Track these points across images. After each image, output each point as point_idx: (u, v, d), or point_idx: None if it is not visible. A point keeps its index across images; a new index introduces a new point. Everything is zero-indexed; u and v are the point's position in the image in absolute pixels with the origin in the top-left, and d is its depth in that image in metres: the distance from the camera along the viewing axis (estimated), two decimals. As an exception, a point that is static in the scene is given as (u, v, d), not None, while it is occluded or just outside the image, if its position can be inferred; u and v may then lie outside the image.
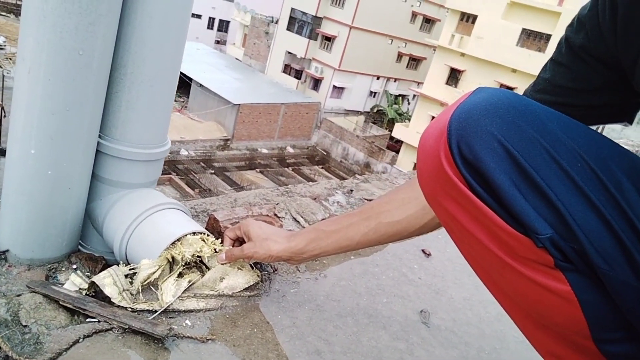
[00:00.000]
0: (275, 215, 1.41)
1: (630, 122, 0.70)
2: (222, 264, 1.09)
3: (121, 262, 1.07)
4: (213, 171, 19.47)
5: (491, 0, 20.26)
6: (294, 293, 1.18)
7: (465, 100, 0.56)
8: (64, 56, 0.93)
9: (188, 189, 16.59)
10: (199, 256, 1.09)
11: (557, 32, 18.40)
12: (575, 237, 0.49)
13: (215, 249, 1.10)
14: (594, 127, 0.64)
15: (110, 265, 1.11)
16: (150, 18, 1.04)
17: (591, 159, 0.51)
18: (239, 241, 1.13)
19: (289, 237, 1.02)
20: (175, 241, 1.06)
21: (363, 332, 1.12)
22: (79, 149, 1.04)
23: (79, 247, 1.19)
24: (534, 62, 18.96)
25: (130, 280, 1.03)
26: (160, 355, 0.89)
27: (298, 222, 1.49)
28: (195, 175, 18.35)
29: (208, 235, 1.13)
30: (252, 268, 1.16)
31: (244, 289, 1.11)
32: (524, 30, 19.81)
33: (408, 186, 0.95)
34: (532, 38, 19.82)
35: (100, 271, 1.09)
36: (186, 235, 1.08)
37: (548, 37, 19.03)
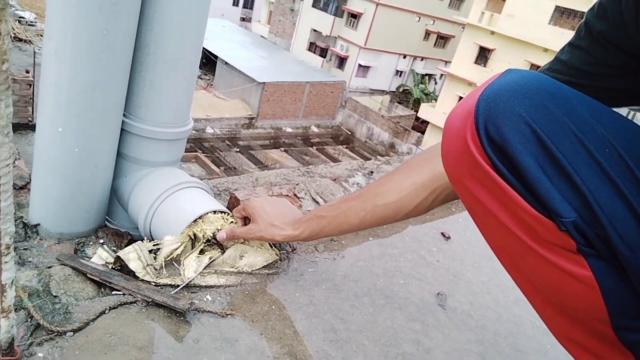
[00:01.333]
0: (295, 195, 1.43)
1: None
2: (223, 242, 1.12)
3: (145, 238, 1.10)
4: (238, 149, 19.62)
5: (524, -24, 19.57)
6: (312, 272, 1.20)
7: (494, 81, 0.55)
8: (89, 36, 0.96)
9: (214, 167, 16.80)
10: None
11: (593, 10, 17.67)
12: (600, 222, 0.49)
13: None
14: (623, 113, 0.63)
15: (135, 241, 1.15)
16: (171, 0, 1.05)
17: (620, 145, 0.50)
18: (247, 220, 1.15)
19: (293, 225, 1.04)
20: (197, 219, 1.09)
21: (379, 313, 1.14)
22: (105, 127, 1.07)
23: (106, 222, 1.23)
24: (567, 40, 18.29)
25: (154, 255, 1.06)
26: (182, 328, 0.93)
27: (317, 202, 1.50)
28: (221, 153, 18.54)
29: (229, 214, 1.15)
30: (271, 247, 1.18)
31: (262, 267, 1.13)
32: (557, 7, 19.10)
33: (403, 168, 0.95)
34: (565, 16, 19.11)
35: (125, 246, 1.13)
36: (207, 213, 1.10)
37: (582, 14, 18.18)
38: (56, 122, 1.01)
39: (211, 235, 1.08)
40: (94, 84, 1.00)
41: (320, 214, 1.02)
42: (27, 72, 10.10)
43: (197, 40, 1.17)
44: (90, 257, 1.08)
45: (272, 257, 1.15)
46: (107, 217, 1.22)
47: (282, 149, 20.95)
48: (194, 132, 18.49)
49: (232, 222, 1.14)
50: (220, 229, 1.10)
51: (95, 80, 1.00)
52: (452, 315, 1.22)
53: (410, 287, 1.28)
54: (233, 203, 1.31)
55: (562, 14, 19.18)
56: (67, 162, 1.04)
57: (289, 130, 22.77)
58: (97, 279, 1.00)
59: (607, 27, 0.62)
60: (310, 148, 22.00)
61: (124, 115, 1.15)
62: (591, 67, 0.66)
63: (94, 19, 0.95)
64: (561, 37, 18.53)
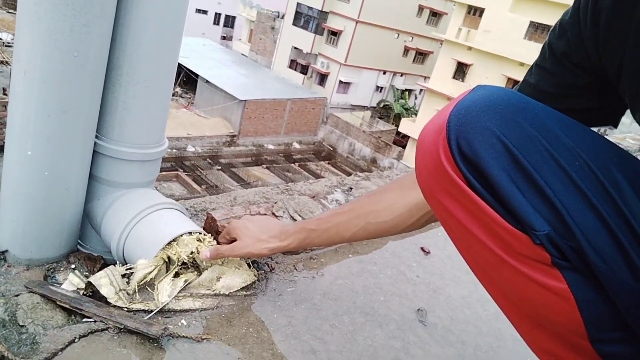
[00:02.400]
0: (273, 214, 1.42)
1: (615, 126, 0.69)
2: (207, 262, 1.10)
3: (118, 262, 1.08)
4: (220, 167, 19.52)
5: (498, -7, 20.08)
6: (291, 292, 1.19)
7: (465, 97, 0.56)
8: (59, 58, 0.94)
9: (195, 185, 16.66)
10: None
11: (566, 25, 18.19)
12: (573, 234, 0.49)
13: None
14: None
15: (108, 265, 1.13)
16: (145, 19, 1.05)
17: (589, 158, 0.51)
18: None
19: (279, 236, 1.04)
20: (172, 241, 1.07)
21: (359, 331, 1.12)
22: (76, 150, 1.05)
23: (78, 247, 1.20)
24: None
25: (127, 280, 1.04)
26: (156, 355, 0.90)
27: (295, 220, 1.49)
28: (202, 172, 18.41)
29: (205, 234, 1.13)
30: (250, 267, 1.16)
31: (240, 289, 1.11)
32: (531, 23, 19.61)
33: (396, 186, 0.96)
34: (539, 31, 19.62)
35: (98, 271, 1.10)
36: (182, 235, 1.08)
37: (556, 29, 18.81)
38: (25, 145, 0.99)
39: (186, 258, 1.06)
40: (65, 106, 0.99)
41: (310, 227, 1.02)
42: (5, 93, 9.95)
43: (172, 60, 1.17)
44: (61, 284, 1.05)
45: (251, 279, 1.14)
46: (79, 241, 1.19)
47: (264, 166, 20.91)
48: (174, 151, 18.37)
49: (209, 242, 1.12)
50: (196, 251, 1.08)
51: (66, 102, 0.99)
52: (433, 331, 1.21)
53: (391, 303, 1.27)
54: (210, 223, 1.29)
55: (536, 29, 19.69)
56: (37, 186, 1.02)
57: (270, 147, 22.77)
58: (67, 306, 0.97)
59: (568, 48, 0.63)
60: (292, 164, 22.00)
61: (97, 136, 1.13)
62: (558, 89, 0.67)
63: (64, 40, 0.93)
64: (536, 51, 18.81)
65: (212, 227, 1.27)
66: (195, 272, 1.10)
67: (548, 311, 0.54)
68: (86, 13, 0.94)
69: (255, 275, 1.16)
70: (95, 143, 1.12)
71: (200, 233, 1.12)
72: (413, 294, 1.34)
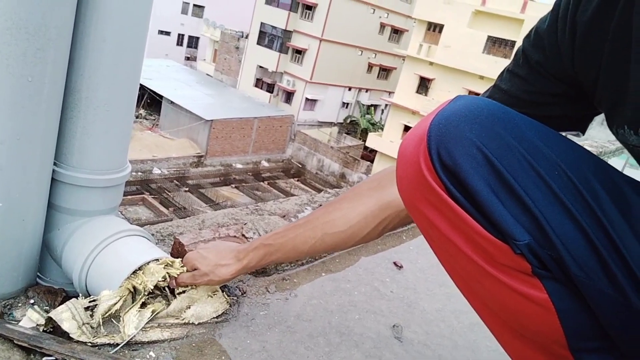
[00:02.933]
0: (243, 235, 1.39)
1: (583, 132, 0.71)
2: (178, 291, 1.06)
3: (81, 295, 1.03)
4: (187, 189, 19.20)
5: (457, 10, 20.76)
6: (264, 315, 1.16)
7: (445, 107, 0.56)
8: (11, 83, 0.90)
9: (162, 208, 16.32)
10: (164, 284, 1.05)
11: (521, 38, 18.92)
12: (552, 244, 0.49)
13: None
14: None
15: (71, 298, 1.07)
16: (104, 41, 1.02)
17: (568, 167, 0.51)
18: None
19: (237, 256, 1.01)
20: (137, 270, 1.03)
21: (335, 352, 1.10)
22: (32, 178, 1.00)
23: (38, 280, 1.14)
24: (500, 68, 18.96)
25: (91, 313, 0.99)
26: (123, 391, 0.86)
27: (267, 241, 1.46)
28: (169, 194, 18.07)
29: (173, 260, 1.09)
30: (222, 292, 1.13)
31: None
32: (489, 37, 20.32)
33: (350, 195, 0.95)
34: (497, 45, 20.34)
35: (60, 304, 1.04)
36: (149, 263, 1.04)
37: (513, 43, 19.56)
38: (-24, 175, 0.94)
39: (152, 287, 1.02)
40: (19, 133, 0.94)
41: (267, 242, 1.00)
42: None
43: (133, 82, 1.14)
44: (19, 320, 0.99)
45: (223, 307, 1.10)
46: (38, 273, 1.13)
47: (233, 185, 20.71)
48: (140, 173, 17.98)
49: (179, 266, 1.08)
50: (164, 280, 1.04)
51: (20, 129, 0.94)
52: (409, 347, 1.20)
53: (366, 321, 1.25)
54: (177, 248, 1.25)
55: (494, 43, 20.40)
56: (-10, 218, 0.96)
57: (239, 166, 22.61)
58: (26, 345, 0.91)
59: (544, 58, 0.63)
60: (261, 183, 21.88)
61: (55, 163, 1.08)
62: (531, 96, 0.67)
63: (17, 65, 0.90)
64: (495, 65, 19.66)
65: (179, 253, 1.23)
66: (164, 302, 1.06)
67: (529, 321, 0.54)
68: (41, 37, 0.91)
69: (227, 302, 1.12)
70: (53, 170, 1.07)
71: (169, 261, 1.08)
72: (388, 310, 1.33)
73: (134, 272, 1.02)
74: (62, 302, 1.07)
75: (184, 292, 1.07)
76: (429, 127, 0.55)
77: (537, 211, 0.50)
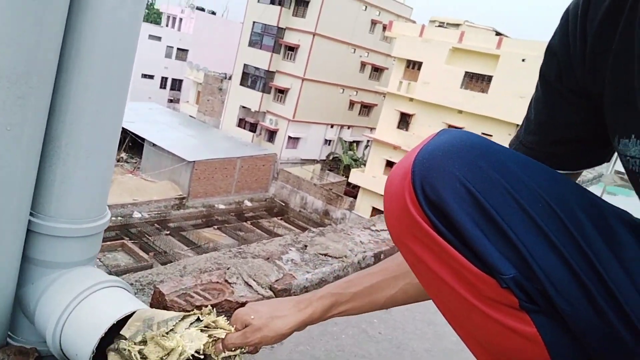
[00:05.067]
0: (226, 281, 1.36)
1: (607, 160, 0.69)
2: (218, 354, 0.87)
3: (56, 354, 0.98)
4: (168, 232, 18.88)
5: (434, 48, 21.44)
6: (249, 365, 1.12)
7: (428, 142, 0.57)
8: (-13, 135, 0.89)
9: (142, 253, 15.95)
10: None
11: (498, 73, 19.55)
12: (537, 277, 0.49)
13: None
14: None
15: (43, 358, 1.02)
16: (87, 88, 1.01)
17: (552, 198, 0.51)
18: None
19: (297, 306, 0.87)
20: (171, 332, 0.87)
21: (324, 401, 1.06)
22: (7, 230, 0.97)
23: (8, 339, 1.09)
24: (478, 102, 19.98)
25: None
26: None
27: (251, 286, 1.43)
28: (150, 238, 17.72)
29: (215, 319, 0.91)
30: None
31: None
32: (466, 73, 20.94)
33: None
34: (474, 80, 20.96)
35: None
36: (189, 327, 0.89)
37: (490, 78, 20.17)
38: (-54, 230, 0.90)
39: (191, 354, 0.85)
40: (-7, 185, 0.92)
41: (335, 291, 0.86)
42: None
43: (115, 128, 1.13)
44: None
45: None
46: (9, 332, 1.08)
47: (215, 227, 20.45)
48: (119, 218, 17.67)
49: (225, 329, 0.90)
50: (205, 347, 0.86)
51: (-6, 180, 0.92)
52: (400, 392, 1.17)
53: (355, 367, 1.22)
54: (157, 298, 1.21)
55: (471, 79, 21.02)
56: (-40, 274, 0.93)
57: (221, 207, 22.44)
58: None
59: (559, 71, 0.62)
60: (244, 223, 21.67)
61: (31, 214, 1.05)
62: (550, 118, 0.65)
63: (-7, 116, 0.88)
64: (472, 99, 20.21)
65: (160, 303, 1.19)
66: None
67: (518, 355, 0.53)
68: (22, 85, 0.90)
69: None
70: (29, 221, 1.04)
71: (200, 320, 0.91)
72: (377, 354, 1.30)
73: (167, 334, 0.86)
74: (35, 361, 1.02)
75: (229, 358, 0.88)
76: (413, 162, 0.55)
77: (521, 245, 0.50)
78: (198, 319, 0.91)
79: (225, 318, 0.92)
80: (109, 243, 15.62)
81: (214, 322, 0.90)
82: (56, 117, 1.02)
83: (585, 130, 0.64)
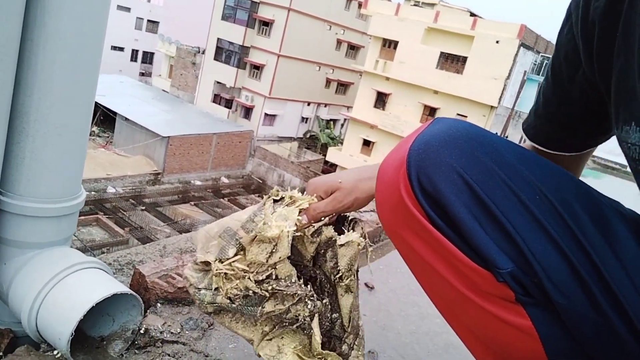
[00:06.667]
0: (209, 262, 1.32)
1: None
2: (306, 228, 0.78)
3: (33, 337, 0.93)
4: (144, 207, 18.59)
5: (410, 27, 21.33)
6: (232, 349, 1.09)
7: (424, 131, 0.55)
8: (-52, 107, 0.82)
9: (117, 229, 15.69)
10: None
11: (473, 54, 19.63)
12: (533, 270, 0.48)
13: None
14: None
15: (18, 339, 0.98)
16: (53, 62, 0.94)
17: (549, 191, 0.50)
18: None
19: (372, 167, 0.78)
20: (264, 223, 0.75)
21: (310, 384, 1.05)
22: (-27, 210, 0.91)
23: (-20, 321, 1.03)
24: (453, 83, 20.07)
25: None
26: None
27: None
28: (125, 213, 17.42)
29: (292, 195, 0.81)
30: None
31: None
32: (442, 53, 20.95)
33: None
34: (450, 61, 21.00)
35: (6, 347, 0.95)
36: (271, 210, 0.78)
37: (464, 59, 20.23)
38: None
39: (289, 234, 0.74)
40: (-43, 161, 0.85)
41: None
42: None
43: (86, 105, 1.06)
44: (-42, 369, 0.89)
45: None
46: (-19, 314, 1.03)
47: (192, 202, 20.23)
48: (93, 193, 17.29)
49: (308, 200, 0.80)
50: (298, 224, 0.77)
51: (-42, 156, 0.85)
52: (386, 373, 1.16)
53: (340, 348, 1.21)
54: (137, 280, 1.17)
55: (447, 59, 21.05)
56: None
57: (198, 183, 22.18)
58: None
59: (566, 61, 0.61)
60: (221, 200, 21.51)
61: (0, 192, 0.99)
62: (565, 108, 0.65)
63: (-46, 87, 0.81)
64: (448, 80, 20.29)
65: (140, 284, 1.15)
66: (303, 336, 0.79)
67: (513, 347, 0.53)
68: (-18, 56, 0.83)
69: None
70: (-2, 200, 0.98)
71: (280, 199, 0.80)
72: (361, 335, 1.29)
73: (263, 225, 0.74)
74: (9, 344, 0.97)
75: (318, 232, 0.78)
76: (408, 152, 0.53)
77: (519, 237, 0.48)
78: (276, 200, 0.80)
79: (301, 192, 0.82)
80: (82, 218, 15.27)
81: (290, 197, 0.80)
82: (22, 91, 0.95)
83: (586, 119, 0.64)
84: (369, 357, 1.20)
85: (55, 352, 0.97)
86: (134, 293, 1.02)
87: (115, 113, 22.31)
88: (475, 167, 0.50)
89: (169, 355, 1.02)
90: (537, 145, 0.70)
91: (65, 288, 0.97)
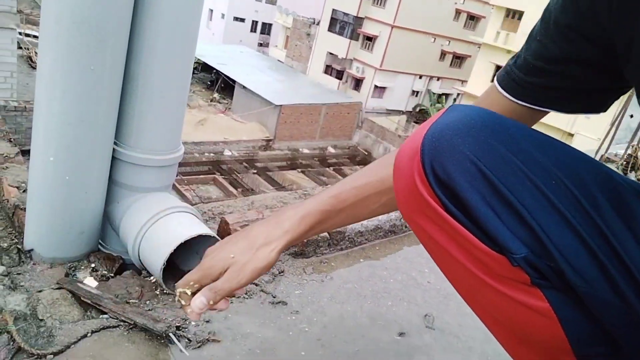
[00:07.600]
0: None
1: (604, 110, 0.66)
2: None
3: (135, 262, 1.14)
4: (255, 171, 19.73)
5: (539, -6, 19.56)
6: (298, 295, 1.22)
7: (438, 119, 0.56)
8: (77, 73, 1.01)
9: (231, 189, 16.91)
10: None
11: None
12: (551, 255, 0.49)
13: None
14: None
15: (127, 265, 1.19)
16: (157, 34, 1.11)
17: (565, 175, 0.51)
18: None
19: (279, 227, 0.74)
20: None
21: (364, 334, 1.14)
22: (95, 156, 1.12)
23: (99, 247, 1.27)
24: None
25: None
26: (162, 351, 0.95)
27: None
28: (239, 175, 18.66)
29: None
30: None
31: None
32: (574, 24, 18.95)
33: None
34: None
35: (117, 270, 1.16)
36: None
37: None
38: (47, 152, 1.06)
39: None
40: (83, 116, 1.06)
41: (325, 208, 0.74)
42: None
43: (185, 70, 1.22)
44: (81, 281, 1.12)
45: None
46: (100, 241, 1.27)
47: (299, 170, 20.98)
48: (212, 155, 18.72)
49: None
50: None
51: (84, 112, 1.06)
52: (439, 337, 1.21)
53: (398, 308, 1.28)
54: (223, 227, 1.34)
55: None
56: (58, 190, 1.09)
57: (306, 151, 22.88)
58: (89, 302, 1.03)
59: (576, 19, 0.59)
60: (327, 169, 22.00)
61: (115, 143, 1.20)
62: (556, 64, 0.63)
63: (81, 56, 1.00)
64: (578, 54, 18.34)
65: (225, 231, 1.32)
66: None
67: (532, 329, 0.54)
68: (101, 30, 1.01)
69: None
70: (114, 149, 1.18)
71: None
72: (422, 300, 1.34)
73: None
74: (119, 268, 1.19)
75: None
76: (422, 140, 0.54)
77: (534, 223, 0.49)
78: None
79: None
80: (202, 177, 16.70)
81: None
82: (133, 60, 1.14)
83: (581, 81, 0.62)
84: (425, 320, 1.26)
85: (152, 277, 1.17)
86: (217, 236, 1.18)
87: (234, 81, 23.67)
88: (489, 155, 0.51)
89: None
90: (511, 97, 0.67)
91: (161, 226, 1.16)
